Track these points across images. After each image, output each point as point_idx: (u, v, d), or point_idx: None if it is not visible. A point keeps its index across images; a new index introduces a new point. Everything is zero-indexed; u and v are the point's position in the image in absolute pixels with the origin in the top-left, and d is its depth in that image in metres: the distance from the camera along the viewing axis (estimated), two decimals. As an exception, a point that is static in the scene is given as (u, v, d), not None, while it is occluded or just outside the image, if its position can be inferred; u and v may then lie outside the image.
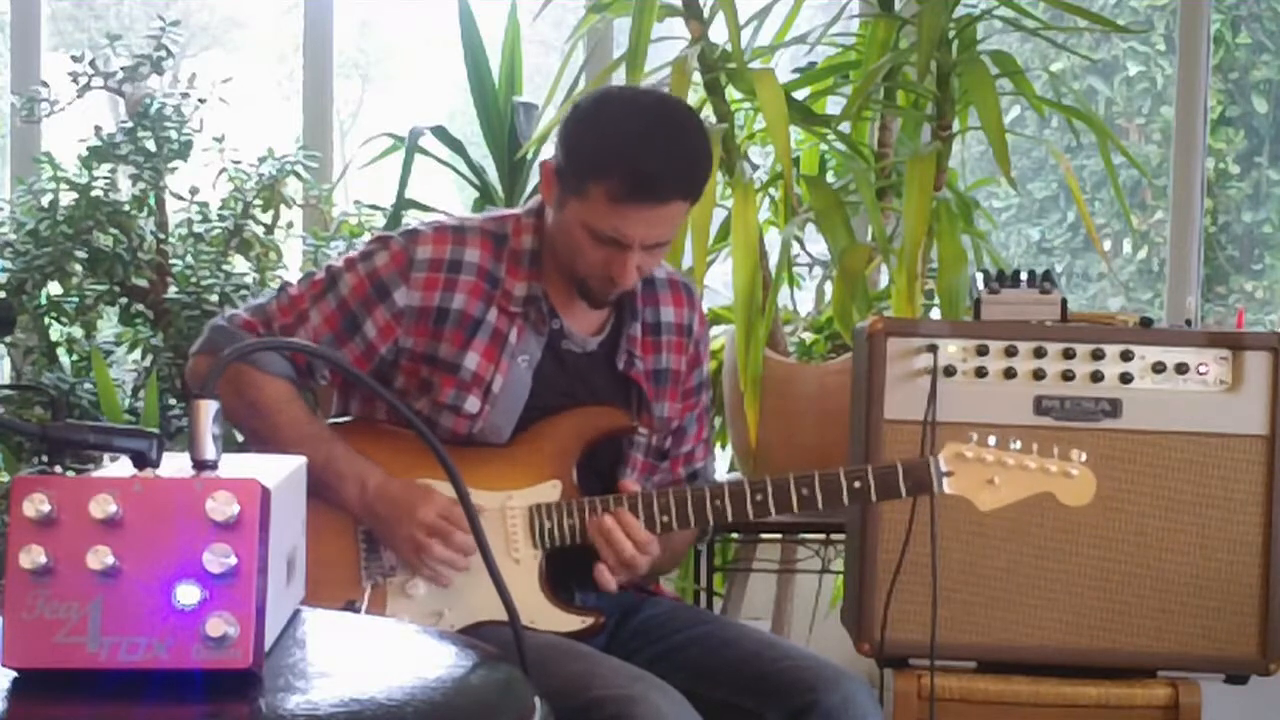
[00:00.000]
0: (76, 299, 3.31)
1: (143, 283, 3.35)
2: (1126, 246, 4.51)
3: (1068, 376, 2.48)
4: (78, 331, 3.37)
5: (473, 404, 2.21)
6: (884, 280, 3.20)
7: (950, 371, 2.47)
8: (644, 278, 2.32)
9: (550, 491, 2.22)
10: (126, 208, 3.31)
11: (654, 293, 2.34)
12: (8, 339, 3.30)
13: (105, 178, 3.31)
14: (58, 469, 1.17)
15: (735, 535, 3.18)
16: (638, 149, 2.10)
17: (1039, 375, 2.47)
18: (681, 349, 2.36)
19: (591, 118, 2.16)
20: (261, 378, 2.20)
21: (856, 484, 2.19)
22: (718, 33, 3.00)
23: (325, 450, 2.16)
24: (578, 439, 2.25)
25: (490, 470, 2.21)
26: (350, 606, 2.17)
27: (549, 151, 2.25)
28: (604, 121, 2.15)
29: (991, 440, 2.20)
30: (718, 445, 3.27)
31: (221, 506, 1.09)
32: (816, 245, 3.29)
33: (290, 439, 2.15)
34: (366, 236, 3.43)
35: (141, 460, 1.17)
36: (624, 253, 2.13)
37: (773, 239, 3.16)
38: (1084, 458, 2.22)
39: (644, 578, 2.32)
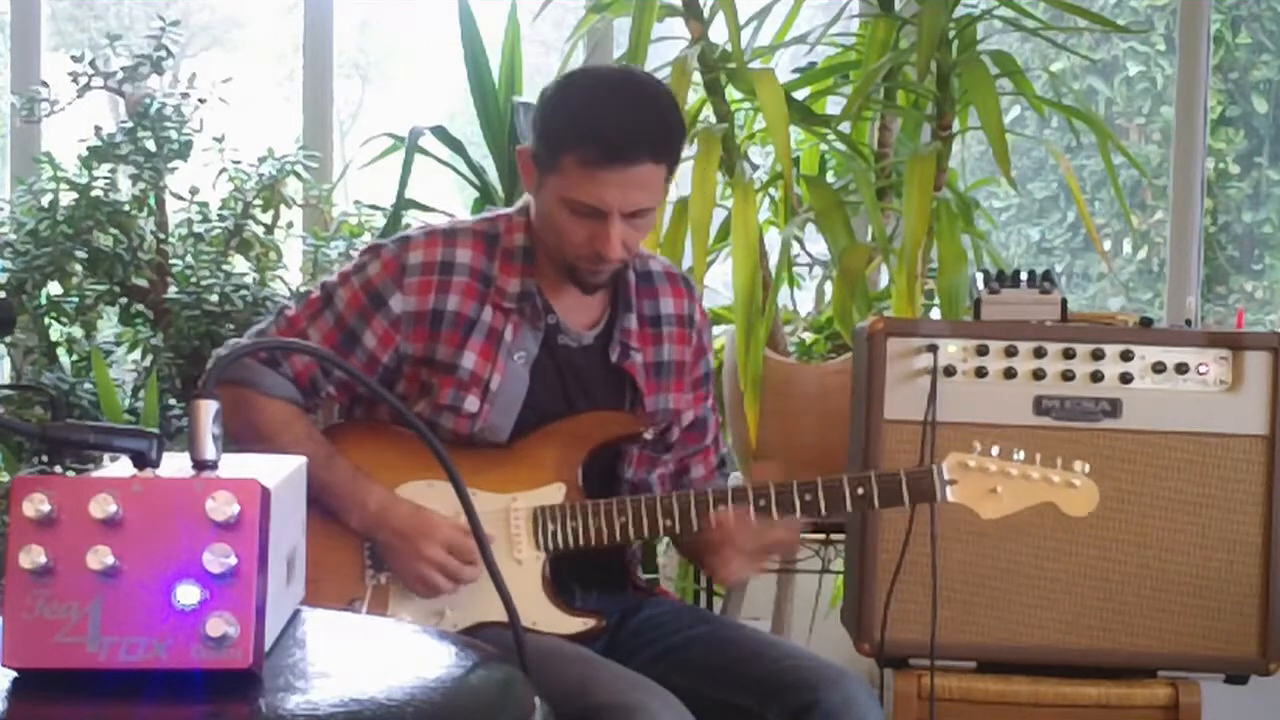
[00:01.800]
0: (76, 299, 3.31)
1: (143, 283, 3.34)
2: (1126, 246, 4.51)
3: (1068, 376, 2.48)
4: (78, 331, 3.37)
5: (472, 403, 2.21)
6: (884, 280, 3.20)
7: (950, 371, 2.47)
8: (639, 267, 2.33)
9: (554, 494, 2.22)
10: (126, 208, 3.31)
11: (651, 286, 2.34)
12: (8, 339, 3.30)
13: (105, 178, 3.31)
14: (58, 469, 1.18)
15: (735, 535, 3.18)
16: (602, 113, 2.13)
17: (1039, 375, 2.47)
18: (684, 339, 2.36)
19: (556, 96, 2.19)
20: (262, 400, 2.20)
21: (860, 491, 2.20)
22: (718, 33, 3.00)
23: (324, 475, 2.15)
24: (584, 444, 2.25)
25: (494, 472, 2.21)
26: (352, 606, 2.17)
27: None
28: (568, 96, 2.18)
29: (995, 450, 2.20)
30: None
31: (221, 506, 1.09)
32: (816, 245, 3.29)
33: None
34: (366, 237, 3.43)
35: (141, 460, 1.17)
36: (605, 223, 2.14)
37: (773, 239, 3.16)
38: (1087, 469, 2.21)
39: None
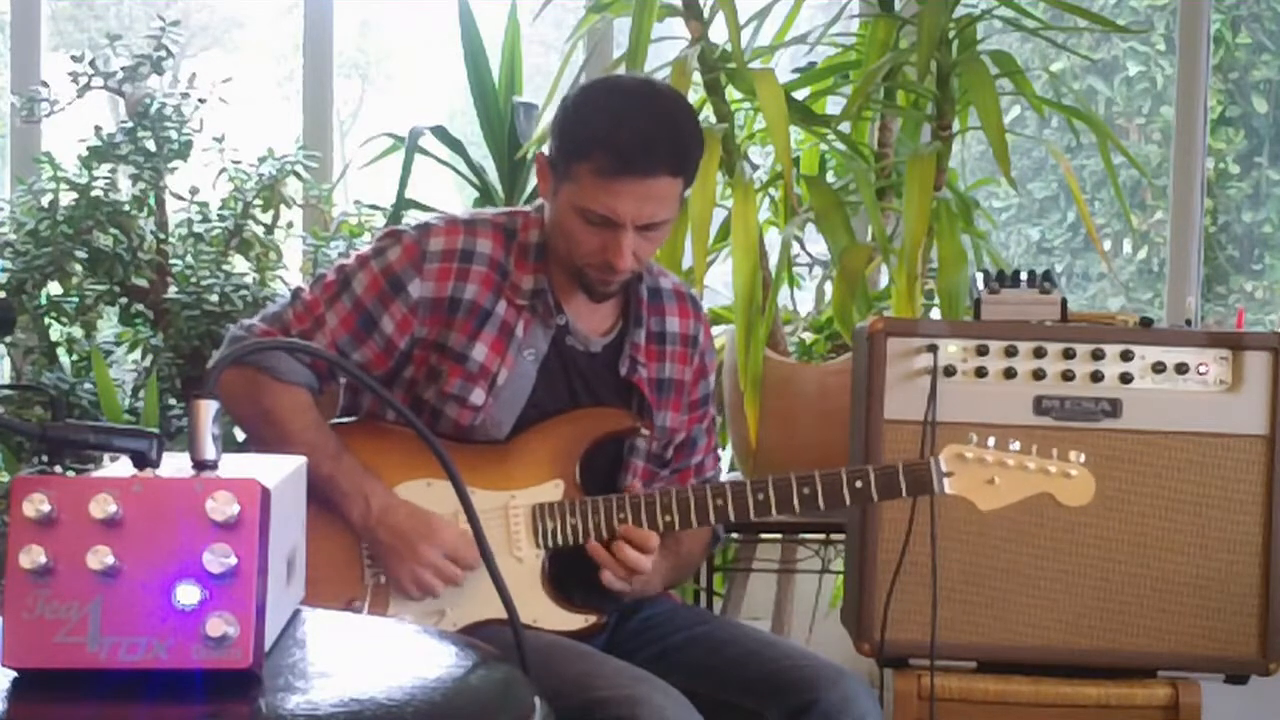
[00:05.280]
0: (76, 299, 3.31)
1: (143, 283, 3.34)
2: (1126, 246, 4.51)
3: (1068, 376, 2.48)
4: (78, 331, 3.37)
5: (478, 396, 2.21)
6: (884, 280, 3.20)
7: (950, 371, 2.47)
8: (649, 283, 2.32)
9: (553, 491, 2.23)
10: (126, 208, 3.31)
11: (660, 303, 2.34)
12: (8, 339, 3.30)
13: (105, 178, 3.31)
14: (58, 469, 1.17)
15: (735, 535, 3.19)
16: (620, 124, 2.12)
17: (1039, 375, 2.47)
18: (686, 359, 2.36)
19: (576, 104, 2.19)
20: (278, 387, 2.20)
21: (858, 484, 2.20)
22: (718, 33, 3.00)
23: (330, 466, 2.16)
24: (581, 439, 2.25)
25: (493, 470, 2.22)
26: (352, 606, 2.17)
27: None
28: (588, 104, 2.18)
29: (991, 441, 2.20)
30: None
31: (221, 506, 1.09)
32: (816, 245, 3.29)
33: (297, 452, 2.15)
34: (366, 237, 3.43)
35: (141, 460, 1.17)
36: (617, 234, 2.14)
37: (773, 239, 3.16)
38: (1083, 459, 2.22)
39: (659, 588, 2.32)
